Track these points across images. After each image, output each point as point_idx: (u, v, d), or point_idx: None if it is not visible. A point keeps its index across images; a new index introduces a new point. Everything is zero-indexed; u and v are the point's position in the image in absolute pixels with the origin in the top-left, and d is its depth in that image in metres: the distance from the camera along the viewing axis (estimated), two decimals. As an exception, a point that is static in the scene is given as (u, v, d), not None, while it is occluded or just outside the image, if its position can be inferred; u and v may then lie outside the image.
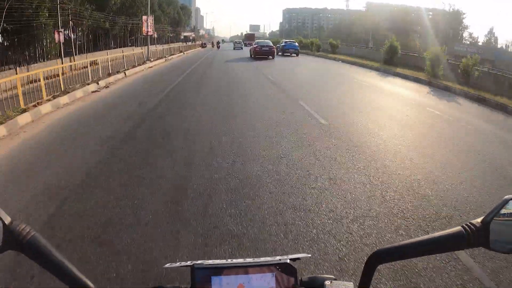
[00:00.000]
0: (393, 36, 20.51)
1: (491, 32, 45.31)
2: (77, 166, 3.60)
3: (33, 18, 19.21)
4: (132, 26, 35.99)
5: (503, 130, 6.56)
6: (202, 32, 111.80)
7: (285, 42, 25.69)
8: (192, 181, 3.20)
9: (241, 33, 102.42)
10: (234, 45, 41.97)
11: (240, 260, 0.53)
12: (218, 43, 45.03)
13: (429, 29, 28.91)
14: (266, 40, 25.10)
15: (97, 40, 31.46)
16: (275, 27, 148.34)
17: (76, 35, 25.57)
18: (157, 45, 32.35)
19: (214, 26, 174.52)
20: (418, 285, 1.89)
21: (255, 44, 21.58)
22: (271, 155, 3.92)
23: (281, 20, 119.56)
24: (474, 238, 0.49)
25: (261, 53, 19.75)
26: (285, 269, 0.52)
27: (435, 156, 4.24)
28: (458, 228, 0.50)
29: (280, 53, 23.30)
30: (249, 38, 51.46)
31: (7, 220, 0.46)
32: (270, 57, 19.75)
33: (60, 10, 20.05)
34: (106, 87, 9.45)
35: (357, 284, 0.55)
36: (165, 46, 26.81)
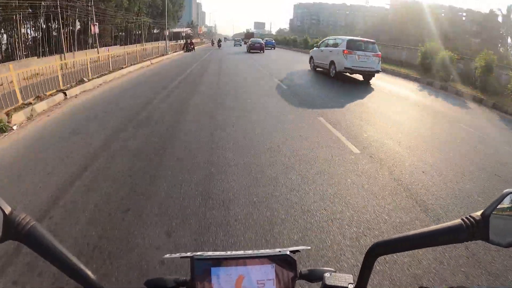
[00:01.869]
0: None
1: None
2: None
3: None
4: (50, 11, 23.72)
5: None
6: (204, 29, 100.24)
7: (266, 40, 39.26)
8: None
9: (246, 30, 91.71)
10: (234, 42, 52.09)
11: (240, 252, 0.54)
12: (219, 41, 40.22)
13: None
14: (258, 39, 32.60)
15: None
16: (285, 25, 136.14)
17: None
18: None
19: (217, 23, 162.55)
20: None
21: (249, 42, 29.50)
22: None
23: (291, 16, 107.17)
24: (473, 231, 0.48)
25: (254, 48, 28.13)
26: (285, 261, 0.53)
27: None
28: (458, 221, 0.50)
29: None
30: (248, 36, 56.71)
31: (7, 210, 0.46)
32: (261, 51, 27.95)
33: None
34: None
35: (357, 276, 0.55)
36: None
